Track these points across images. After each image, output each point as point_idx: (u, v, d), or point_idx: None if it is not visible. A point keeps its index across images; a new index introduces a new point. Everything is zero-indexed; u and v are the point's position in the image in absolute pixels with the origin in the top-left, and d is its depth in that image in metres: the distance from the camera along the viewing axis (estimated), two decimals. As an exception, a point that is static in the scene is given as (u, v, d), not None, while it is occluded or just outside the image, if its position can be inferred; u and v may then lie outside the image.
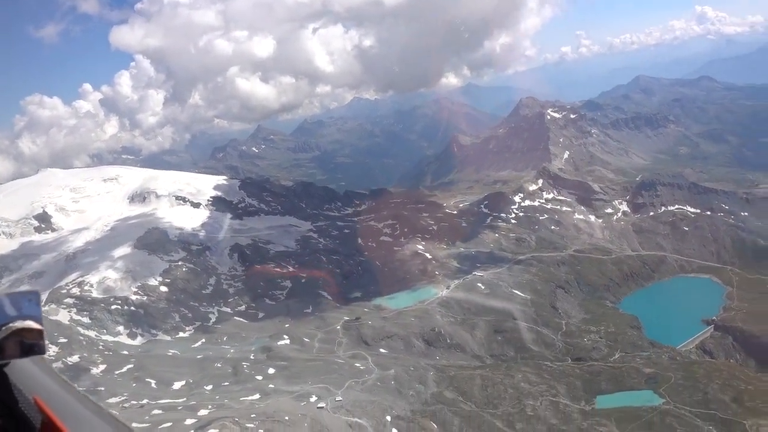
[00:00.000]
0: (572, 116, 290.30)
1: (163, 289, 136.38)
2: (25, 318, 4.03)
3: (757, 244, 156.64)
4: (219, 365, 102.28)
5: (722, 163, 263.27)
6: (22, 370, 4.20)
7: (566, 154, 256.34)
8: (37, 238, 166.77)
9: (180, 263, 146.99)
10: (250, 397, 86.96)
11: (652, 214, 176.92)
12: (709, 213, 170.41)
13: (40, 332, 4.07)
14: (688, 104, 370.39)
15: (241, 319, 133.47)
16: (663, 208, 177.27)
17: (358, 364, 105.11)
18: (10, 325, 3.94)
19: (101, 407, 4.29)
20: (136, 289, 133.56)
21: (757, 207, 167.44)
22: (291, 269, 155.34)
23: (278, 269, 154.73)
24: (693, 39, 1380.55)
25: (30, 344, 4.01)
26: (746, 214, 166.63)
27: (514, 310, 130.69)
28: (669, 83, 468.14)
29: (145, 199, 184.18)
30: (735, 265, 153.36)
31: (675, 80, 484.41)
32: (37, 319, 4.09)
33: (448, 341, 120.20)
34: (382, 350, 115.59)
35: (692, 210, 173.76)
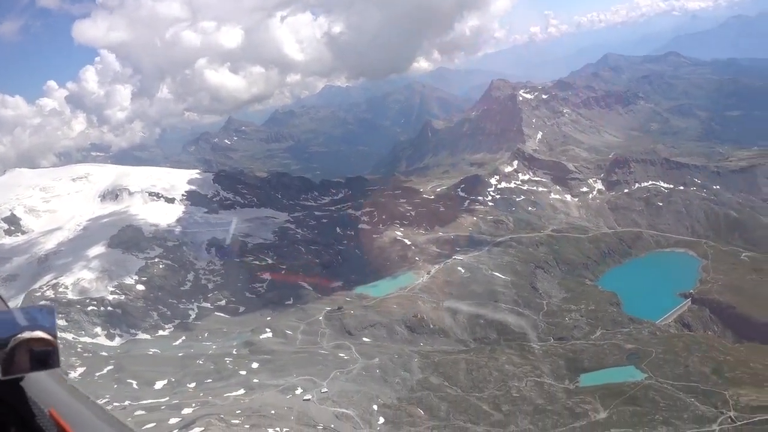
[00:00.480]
0: (544, 97, 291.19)
1: (140, 287, 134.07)
2: (38, 330, 4.07)
3: (729, 216, 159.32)
4: (201, 362, 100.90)
5: (692, 138, 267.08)
6: (37, 382, 4.28)
7: (540, 135, 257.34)
8: (8, 240, 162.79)
9: (156, 260, 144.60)
10: (234, 393, 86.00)
11: (626, 191, 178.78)
12: (682, 188, 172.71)
13: (54, 345, 4.09)
14: (657, 80, 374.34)
15: (222, 314, 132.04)
16: (637, 185, 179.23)
17: (342, 354, 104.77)
18: (23, 337, 3.99)
19: (118, 419, 4.36)
20: (112, 289, 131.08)
21: (727, 180, 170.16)
22: (270, 262, 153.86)
23: (258, 263, 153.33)
24: (658, 15, 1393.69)
25: (44, 357, 4.06)
26: (718, 187, 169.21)
27: (496, 292, 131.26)
28: (637, 60, 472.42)
29: (117, 196, 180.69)
30: (709, 238, 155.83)
31: (643, 57, 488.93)
32: (52, 332, 4.11)
33: (431, 327, 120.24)
34: (365, 339, 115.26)
35: (665, 185, 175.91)
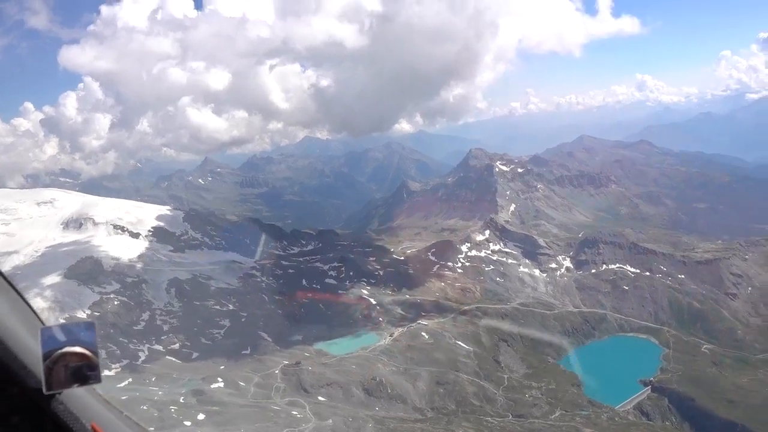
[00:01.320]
0: (519, 170, 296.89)
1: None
2: (79, 346, 4.16)
3: (693, 307, 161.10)
4: (145, 407, 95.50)
5: (660, 225, 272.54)
6: (77, 397, 4.44)
7: (513, 207, 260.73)
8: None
9: (112, 296, 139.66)
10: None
11: (594, 271, 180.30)
12: (648, 274, 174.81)
13: (94, 360, 4.20)
14: (629, 166, 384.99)
15: (173, 359, 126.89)
16: (604, 266, 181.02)
17: (295, 412, 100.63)
18: (65, 351, 4.09)
19: None
20: (63, 321, 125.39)
21: (693, 270, 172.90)
22: (231, 308, 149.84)
23: (216, 307, 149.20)
24: (633, 104, 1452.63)
25: (85, 372, 4.16)
26: (683, 276, 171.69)
27: (458, 362, 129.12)
28: (611, 144, 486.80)
29: (81, 225, 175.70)
30: (672, 326, 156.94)
31: (616, 142, 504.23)
32: (92, 348, 4.21)
33: (389, 391, 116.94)
34: (320, 398, 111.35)
35: (632, 270, 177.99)
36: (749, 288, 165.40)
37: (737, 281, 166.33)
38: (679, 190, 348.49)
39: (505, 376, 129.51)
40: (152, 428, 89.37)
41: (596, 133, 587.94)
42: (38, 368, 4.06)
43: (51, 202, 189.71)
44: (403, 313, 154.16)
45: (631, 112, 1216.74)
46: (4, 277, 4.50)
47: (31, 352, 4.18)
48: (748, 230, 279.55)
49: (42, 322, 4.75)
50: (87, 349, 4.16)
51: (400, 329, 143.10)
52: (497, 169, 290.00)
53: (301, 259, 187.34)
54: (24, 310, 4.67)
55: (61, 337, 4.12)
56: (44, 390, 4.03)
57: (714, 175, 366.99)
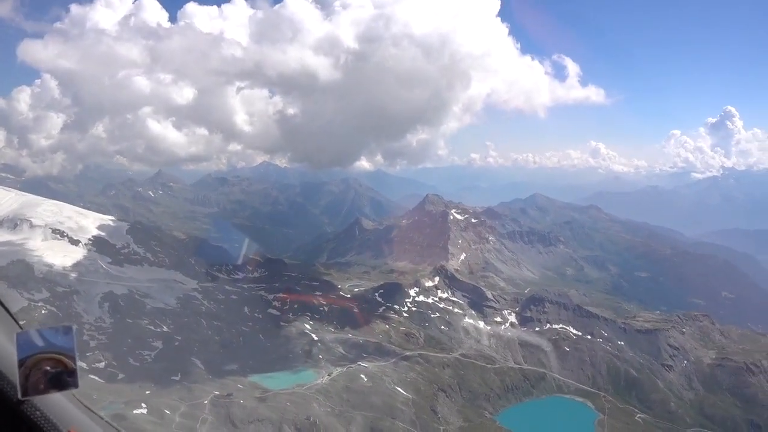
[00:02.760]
0: (473, 220, 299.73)
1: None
2: (57, 351, 4.21)
3: (630, 375, 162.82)
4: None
5: (602, 290, 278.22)
6: (55, 403, 4.49)
7: (463, 256, 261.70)
8: None
9: (40, 304, 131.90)
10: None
11: (537, 329, 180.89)
12: (589, 337, 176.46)
13: (72, 366, 4.26)
14: (577, 228, 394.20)
15: (97, 378, 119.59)
16: (548, 326, 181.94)
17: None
18: (42, 357, 4.14)
19: None
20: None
21: (632, 338, 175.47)
22: (166, 329, 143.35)
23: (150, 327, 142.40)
24: (586, 169, 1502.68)
25: (62, 378, 4.22)
26: (622, 343, 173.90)
27: (395, 408, 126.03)
28: (561, 205, 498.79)
29: (16, 226, 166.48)
30: (608, 392, 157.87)
31: (567, 204, 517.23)
32: (70, 353, 4.28)
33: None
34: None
35: (574, 332, 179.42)
36: (685, 361, 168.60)
37: (674, 353, 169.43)
38: (622, 257, 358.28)
39: (441, 428, 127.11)
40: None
41: (549, 192, 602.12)
42: (14, 373, 4.04)
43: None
44: (344, 352, 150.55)
45: (583, 176, 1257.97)
46: None
47: (7, 356, 4.16)
48: (684, 303, 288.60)
49: (20, 326, 4.73)
50: (64, 354, 4.17)
51: (340, 369, 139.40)
52: (452, 217, 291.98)
53: (245, 285, 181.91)
54: (0, 313, 4.60)
55: (38, 341, 4.09)
56: (20, 396, 4.04)
57: (656, 246, 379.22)
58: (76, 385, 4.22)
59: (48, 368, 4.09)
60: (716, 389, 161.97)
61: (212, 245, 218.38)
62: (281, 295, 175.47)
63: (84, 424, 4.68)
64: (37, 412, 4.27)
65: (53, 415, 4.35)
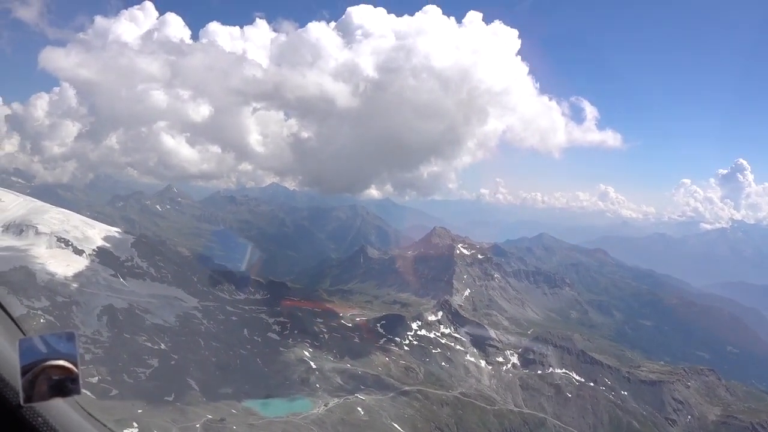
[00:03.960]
0: (480, 257, 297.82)
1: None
2: (59, 358, 4.18)
3: (632, 427, 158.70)
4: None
5: (606, 336, 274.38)
6: (57, 409, 4.52)
7: (467, 292, 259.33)
8: None
9: (39, 313, 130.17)
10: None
11: (539, 372, 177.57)
12: (592, 384, 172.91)
13: (74, 373, 4.23)
14: (583, 272, 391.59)
15: (89, 393, 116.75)
16: (551, 369, 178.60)
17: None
18: (45, 364, 4.12)
19: None
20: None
21: (636, 389, 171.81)
22: (163, 347, 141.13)
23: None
24: (594, 213, 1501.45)
25: (65, 384, 4.19)
26: (626, 393, 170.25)
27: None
28: (568, 247, 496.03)
29: (22, 231, 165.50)
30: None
31: (573, 246, 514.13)
32: (72, 360, 4.24)
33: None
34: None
35: (577, 378, 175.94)
36: (689, 416, 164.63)
37: (678, 407, 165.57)
38: (628, 303, 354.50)
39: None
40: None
41: (556, 233, 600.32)
42: (17, 379, 4.05)
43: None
44: (341, 383, 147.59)
45: (591, 219, 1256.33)
46: None
47: (10, 363, 4.17)
48: (688, 355, 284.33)
49: (23, 333, 4.82)
50: (67, 360, 4.13)
51: (336, 400, 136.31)
52: (458, 252, 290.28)
53: (246, 307, 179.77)
54: (2, 318, 4.61)
55: (41, 348, 4.09)
56: (22, 402, 4.04)
57: (662, 295, 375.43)
58: (78, 392, 4.16)
59: (52, 376, 4.03)
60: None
61: (217, 264, 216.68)
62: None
63: (86, 430, 4.61)
64: (39, 419, 4.25)
65: (55, 421, 4.33)
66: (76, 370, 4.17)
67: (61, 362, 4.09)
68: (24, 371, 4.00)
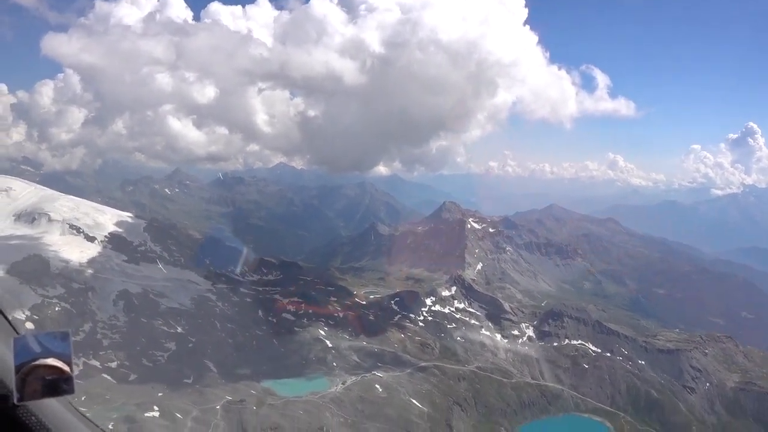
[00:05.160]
0: (491, 230, 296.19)
1: (29, 325, 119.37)
2: (53, 357, 4.21)
3: (650, 396, 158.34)
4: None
5: (621, 305, 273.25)
6: (50, 408, 4.56)
7: (480, 266, 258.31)
8: None
9: (54, 300, 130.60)
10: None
11: (556, 344, 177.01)
12: (609, 355, 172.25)
13: (67, 372, 4.26)
14: (595, 242, 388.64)
15: (109, 378, 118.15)
16: (567, 341, 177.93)
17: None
18: (38, 363, 4.14)
19: None
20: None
21: (653, 358, 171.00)
22: (180, 330, 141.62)
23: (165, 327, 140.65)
24: (603, 182, 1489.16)
25: (58, 384, 4.21)
26: (643, 362, 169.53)
27: (409, 421, 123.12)
28: (579, 217, 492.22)
29: (34, 220, 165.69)
30: (627, 412, 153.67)
31: (584, 216, 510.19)
32: (66, 359, 4.27)
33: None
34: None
35: (594, 348, 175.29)
36: (707, 384, 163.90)
37: (696, 375, 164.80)
38: (640, 272, 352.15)
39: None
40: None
41: (565, 204, 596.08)
42: (10, 378, 4.09)
43: (7, 191, 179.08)
44: (358, 360, 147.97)
45: (600, 188, 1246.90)
46: None
47: (3, 361, 4.20)
48: (703, 322, 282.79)
49: (16, 331, 4.73)
50: (61, 359, 4.16)
51: (354, 378, 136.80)
52: (469, 226, 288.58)
53: (260, 288, 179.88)
54: None
55: (35, 347, 4.11)
56: (15, 401, 4.06)
57: (675, 263, 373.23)
58: (72, 391, 4.18)
59: (45, 375, 4.05)
60: (740, 414, 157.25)
61: (228, 246, 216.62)
62: (295, 300, 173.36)
63: (78, 430, 4.68)
64: (33, 418, 4.30)
65: (48, 420, 4.38)
66: (68, 369, 4.15)
67: (54, 362, 4.08)
68: (18, 370, 3.99)
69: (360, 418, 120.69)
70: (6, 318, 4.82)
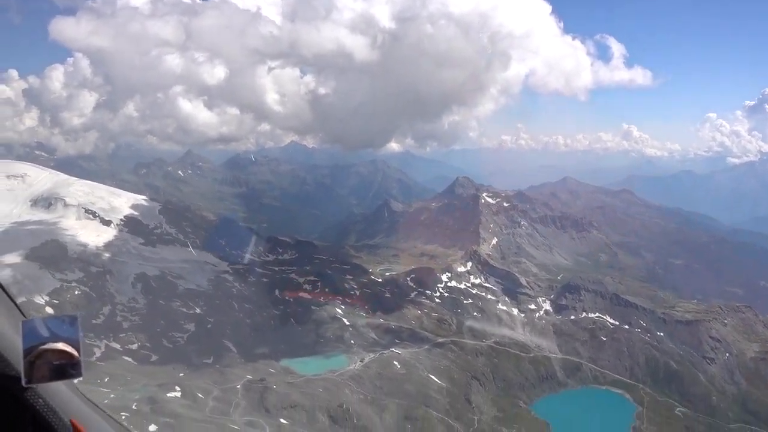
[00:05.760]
0: (505, 204, 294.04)
1: (49, 310, 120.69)
2: (61, 341, 4.24)
3: (669, 367, 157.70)
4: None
5: (637, 277, 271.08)
6: (58, 392, 4.60)
7: (495, 241, 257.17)
8: None
9: (74, 284, 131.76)
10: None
11: (573, 317, 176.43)
12: (627, 327, 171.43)
13: (75, 356, 4.29)
14: (610, 213, 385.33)
15: (130, 360, 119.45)
16: (584, 314, 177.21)
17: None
18: (46, 347, 4.17)
19: None
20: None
21: (672, 329, 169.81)
22: (198, 311, 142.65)
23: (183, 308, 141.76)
24: (618, 153, 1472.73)
25: (65, 368, 4.24)
26: (662, 334, 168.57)
27: (429, 397, 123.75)
28: (593, 189, 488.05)
29: (50, 205, 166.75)
30: (646, 384, 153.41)
31: (598, 188, 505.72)
32: (74, 343, 4.30)
33: (355, 421, 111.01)
34: (282, 420, 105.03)
35: (611, 321, 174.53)
36: (727, 354, 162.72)
37: (716, 346, 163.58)
38: (657, 243, 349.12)
39: (476, 418, 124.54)
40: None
41: (579, 176, 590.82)
42: (18, 361, 4.13)
43: (22, 177, 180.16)
44: (376, 338, 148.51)
45: (614, 160, 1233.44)
46: None
47: (12, 344, 4.24)
48: (721, 292, 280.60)
49: (23, 315, 4.80)
50: (69, 344, 4.20)
51: (372, 355, 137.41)
52: (483, 201, 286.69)
53: (276, 268, 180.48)
54: (5, 301, 4.63)
55: (43, 331, 4.16)
56: (24, 384, 4.11)
57: (691, 233, 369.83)
58: (79, 375, 4.24)
59: (53, 359, 4.10)
60: (760, 384, 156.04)
61: (243, 227, 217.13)
62: (311, 278, 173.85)
63: (85, 414, 4.76)
64: (40, 400, 4.35)
65: (55, 403, 4.43)
66: (76, 353, 4.19)
67: (62, 346, 4.13)
68: (26, 354, 4.05)
69: (379, 394, 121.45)
70: (14, 302, 4.75)
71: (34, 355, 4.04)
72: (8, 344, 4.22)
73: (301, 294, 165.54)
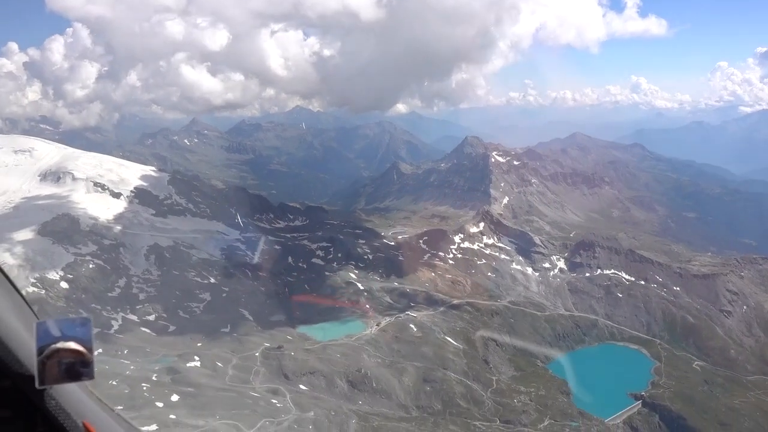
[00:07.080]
0: (515, 163, 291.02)
1: (64, 285, 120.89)
2: (73, 342, 4.24)
3: (686, 321, 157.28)
4: (114, 383, 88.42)
5: (650, 231, 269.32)
6: (69, 393, 4.60)
7: (506, 200, 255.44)
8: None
9: (88, 258, 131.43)
10: (144, 429, 74.58)
11: (588, 275, 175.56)
12: (643, 282, 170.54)
13: (88, 357, 4.29)
14: (622, 168, 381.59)
15: (148, 331, 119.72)
16: (599, 271, 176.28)
17: (274, 401, 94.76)
18: (58, 347, 4.18)
19: None
20: (33, 281, 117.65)
21: (688, 283, 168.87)
22: (212, 281, 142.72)
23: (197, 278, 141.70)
24: (627, 106, 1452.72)
25: (78, 369, 4.25)
26: (678, 289, 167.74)
27: (446, 359, 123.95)
28: (603, 144, 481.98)
29: (59, 179, 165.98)
30: (664, 339, 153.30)
31: (609, 142, 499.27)
32: (87, 344, 4.31)
33: (374, 385, 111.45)
34: (302, 387, 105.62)
35: (627, 277, 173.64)
36: (744, 307, 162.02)
37: (733, 299, 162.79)
38: (669, 197, 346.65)
39: (494, 378, 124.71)
40: (121, 406, 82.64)
41: (589, 131, 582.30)
42: (32, 363, 4.15)
43: (29, 151, 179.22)
44: (391, 302, 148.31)
45: (624, 113, 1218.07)
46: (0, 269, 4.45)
47: (25, 345, 4.26)
48: (734, 243, 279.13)
49: (36, 316, 4.79)
50: (81, 344, 4.22)
51: (388, 319, 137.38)
52: (493, 160, 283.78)
53: (287, 235, 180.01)
54: (18, 302, 4.65)
55: (55, 332, 4.18)
56: (37, 385, 4.12)
57: (704, 185, 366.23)
58: (91, 376, 4.22)
59: (65, 359, 4.10)
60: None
61: (253, 194, 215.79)
62: (323, 244, 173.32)
63: (97, 415, 4.77)
64: (53, 402, 4.39)
65: (68, 405, 4.46)
66: (89, 354, 4.21)
67: (74, 346, 4.15)
68: (39, 354, 4.07)
69: (397, 358, 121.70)
70: (28, 304, 4.71)
71: (47, 355, 4.03)
72: (21, 345, 4.21)
73: (315, 260, 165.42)
